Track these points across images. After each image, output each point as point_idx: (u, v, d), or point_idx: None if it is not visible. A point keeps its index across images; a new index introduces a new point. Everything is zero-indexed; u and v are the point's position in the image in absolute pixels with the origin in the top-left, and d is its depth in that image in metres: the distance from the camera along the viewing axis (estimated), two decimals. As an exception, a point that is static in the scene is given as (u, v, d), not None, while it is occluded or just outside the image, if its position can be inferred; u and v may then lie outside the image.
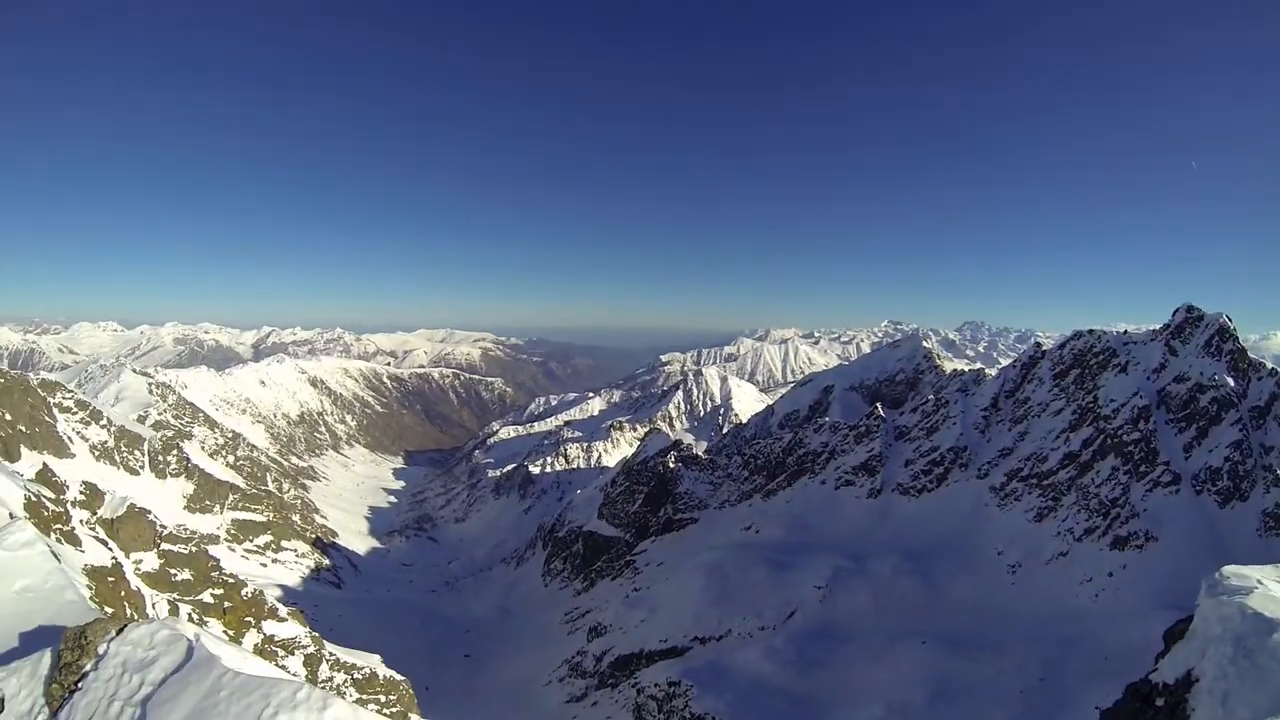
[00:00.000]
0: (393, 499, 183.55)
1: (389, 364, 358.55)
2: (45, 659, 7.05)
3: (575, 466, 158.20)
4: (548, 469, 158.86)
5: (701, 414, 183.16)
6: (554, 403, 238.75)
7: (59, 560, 10.38)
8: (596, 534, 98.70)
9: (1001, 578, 57.18)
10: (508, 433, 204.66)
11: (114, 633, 6.90)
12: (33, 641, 8.66)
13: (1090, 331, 74.92)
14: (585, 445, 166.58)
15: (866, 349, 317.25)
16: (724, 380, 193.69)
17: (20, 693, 6.65)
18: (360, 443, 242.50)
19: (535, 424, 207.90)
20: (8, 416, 77.64)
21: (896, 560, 60.00)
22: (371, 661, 46.62)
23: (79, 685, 6.57)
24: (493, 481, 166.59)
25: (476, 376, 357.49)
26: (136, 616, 7.88)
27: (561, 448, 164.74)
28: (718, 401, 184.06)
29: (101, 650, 6.81)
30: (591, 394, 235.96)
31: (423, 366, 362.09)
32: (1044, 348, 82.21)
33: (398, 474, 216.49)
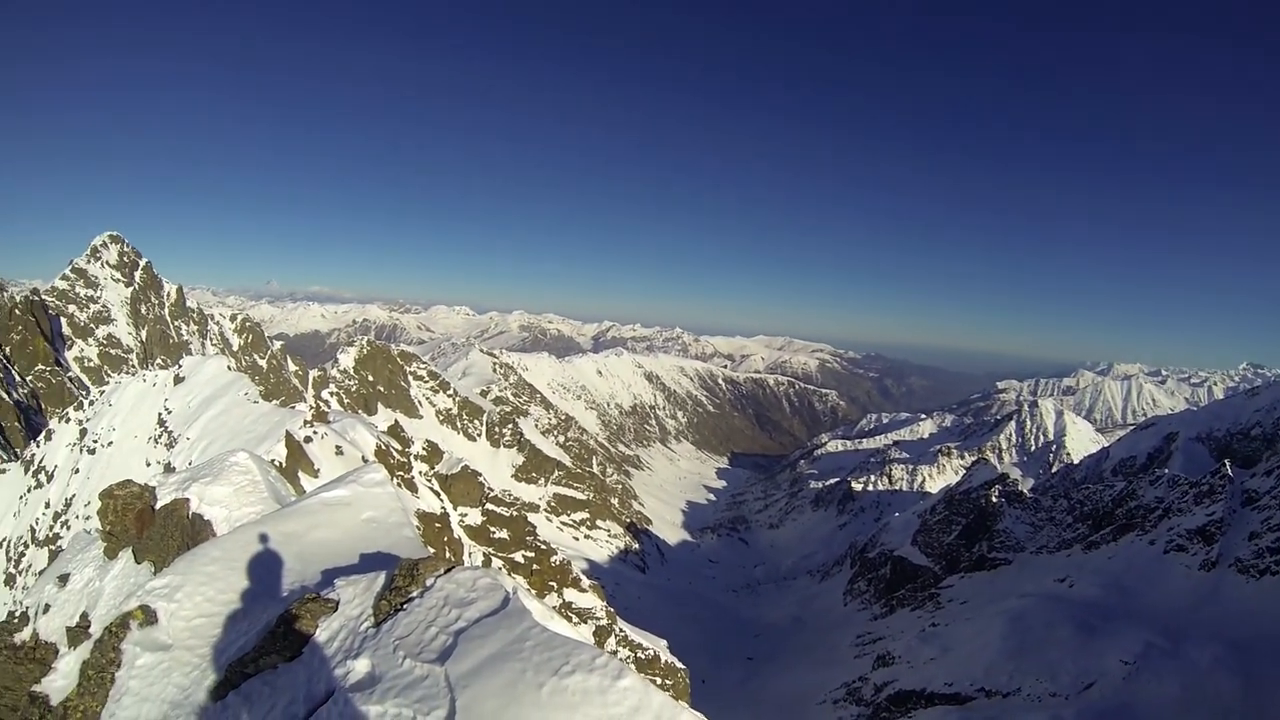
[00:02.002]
0: (711, 497, 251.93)
1: (725, 367, 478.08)
2: (379, 579, 9.57)
3: (897, 488, 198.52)
4: (869, 487, 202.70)
5: (1032, 448, 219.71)
6: (885, 420, 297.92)
7: (400, 502, 13.90)
8: (906, 560, 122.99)
9: (1352, 700, 62.42)
10: (835, 446, 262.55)
11: (443, 570, 9.10)
12: (370, 563, 12.02)
13: None
14: (910, 467, 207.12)
15: (1219, 394, 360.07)
16: (1059, 415, 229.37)
17: (354, 600, 9.49)
18: (688, 439, 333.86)
19: (864, 440, 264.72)
20: (370, 378, 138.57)
21: (1219, 650, 64.59)
22: (657, 645, 60.73)
23: (403, 607, 8.77)
24: (813, 493, 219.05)
25: (811, 387, 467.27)
26: (456, 561, 11.00)
27: (886, 467, 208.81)
28: (1050, 437, 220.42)
29: (429, 583, 8.98)
30: (923, 415, 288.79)
31: (758, 372, 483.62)
32: None
33: (720, 473, 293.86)
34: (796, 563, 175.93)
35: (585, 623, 58.68)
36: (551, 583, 62.97)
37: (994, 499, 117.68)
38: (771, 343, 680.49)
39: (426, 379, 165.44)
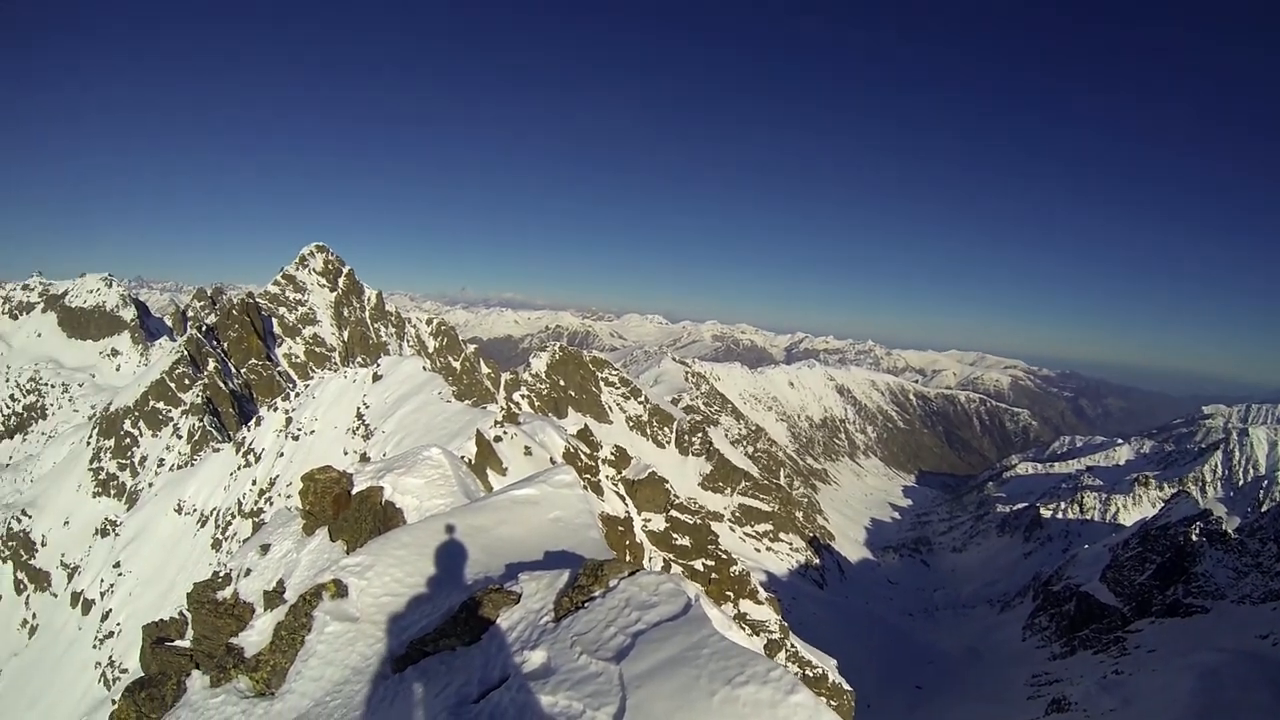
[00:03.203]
0: (896, 515, 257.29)
1: (916, 381, 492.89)
2: (563, 577, 10.34)
3: (1088, 517, 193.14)
4: (1059, 515, 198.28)
5: (1240, 483, 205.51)
6: (1078, 444, 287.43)
7: (588, 504, 14.79)
8: (1092, 598, 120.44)
9: None
10: (1025, 468, 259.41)
11: (627, 573, 9.75)
12: (554, 561, 13.00)
13: None
14: (1103, 496, 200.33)
15: None
16: (1272, 446, 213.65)
17: (536, 594, 10.35)
18: (876, 454, 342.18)
19: (1055, 464, 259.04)
20: (562, 382, 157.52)
21: None
22: (827, 664, 62.36)
23: (585, 605, 9.46)
24: (999, 517, 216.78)
25: (1002, 405, 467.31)
26: (638, 565, 11.75)
27: (1078, 494, 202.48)
28: (1261, 471, 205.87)
29: (612, 584, 9.61)
30: (1120, 440, 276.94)
31: (949, 388, 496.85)
32: None
33: (906, 491, 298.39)
34: (977, 590, 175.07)
35: (758, 635, 60.04)
36: (729, 592, 66.11)
37: (1194, 538, 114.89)
38: (964, 358, 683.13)
39: (618, 385, 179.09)
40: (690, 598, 9.15)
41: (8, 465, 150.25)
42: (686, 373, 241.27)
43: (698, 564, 66.92)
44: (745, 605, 65.68)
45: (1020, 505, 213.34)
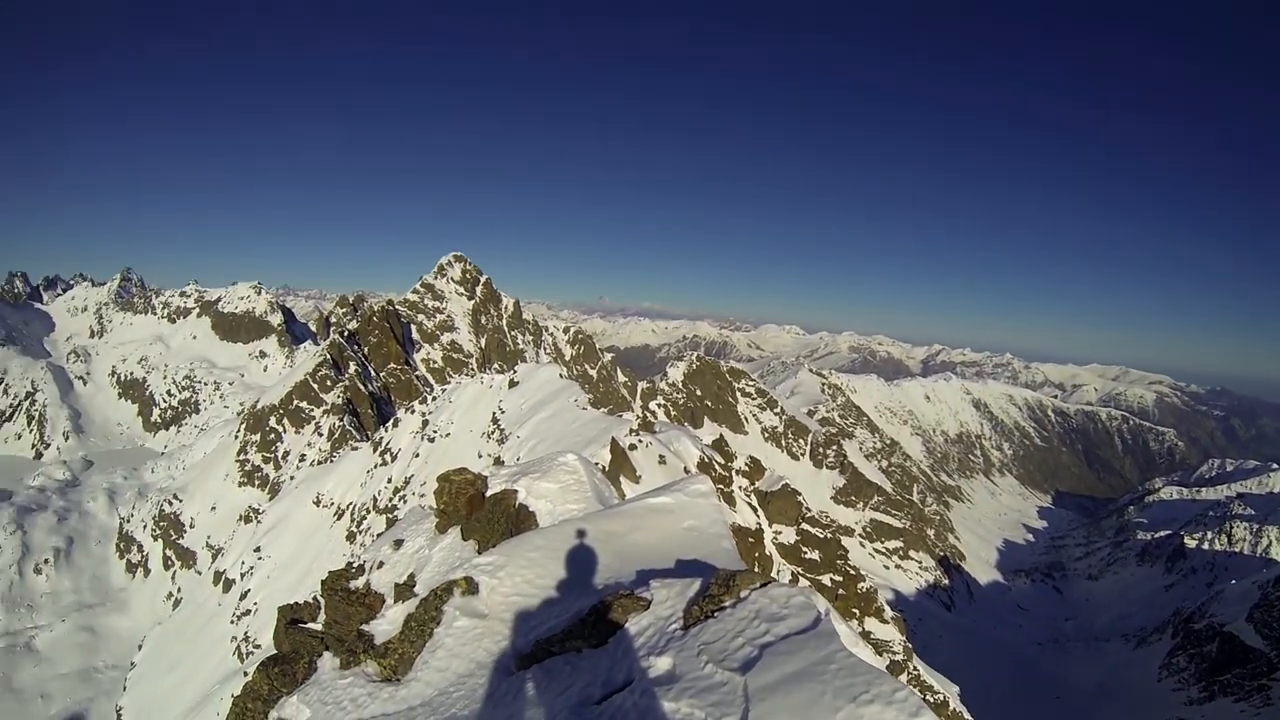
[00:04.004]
0: (1030, 537, 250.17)
1: (1055, 396, 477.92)
2: (694, 585, 10.45)
3: (1237, 549, 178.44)
4: (1204, 545, 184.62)
5: None
6: (1229, 468, 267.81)
7: (722, 514, 14.83)
8: (1237, 639, 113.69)
9: None
10: (1169, 493, 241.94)
11: (759, 584, 9.80)
12: (685, 569, 13.02)
13: None
14: (1255, 527, 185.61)
15: None
16: None
17: (666, 602, 10.52)
18: (1011, 472, 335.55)
19: (1202, 489, 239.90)
20: (698, 392, 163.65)
21: None
22: (949, 691, 61.39)
23: (714, 614, 9.55)
24: (1139, 544, 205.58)
25: (1146, 424, 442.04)
26: (767, 577, 11.74)
27: (1226, 524, 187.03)
28: None
29: (743, 595, 9.69)
30: (1275, 465, 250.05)
31: (1090, 404, 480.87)
32: None
33: (1041, 512, 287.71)
34: (1111, 622, 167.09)
35: (881, 655, 58.67)
36: (854, 609, 65.78)
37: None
38: (1105, 372, 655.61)
39: (754, 396, 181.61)
40: (820, 612, 9.07)
41: (163, 454, 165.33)
42: (823, 384, 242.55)
43: (825, 579, 67.07)
44: (870, 624, 65.56)
45: (1163, 533, 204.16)
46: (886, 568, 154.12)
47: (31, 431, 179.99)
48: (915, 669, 61.61)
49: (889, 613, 68.85)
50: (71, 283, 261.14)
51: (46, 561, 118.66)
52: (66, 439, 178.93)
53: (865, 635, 61.25)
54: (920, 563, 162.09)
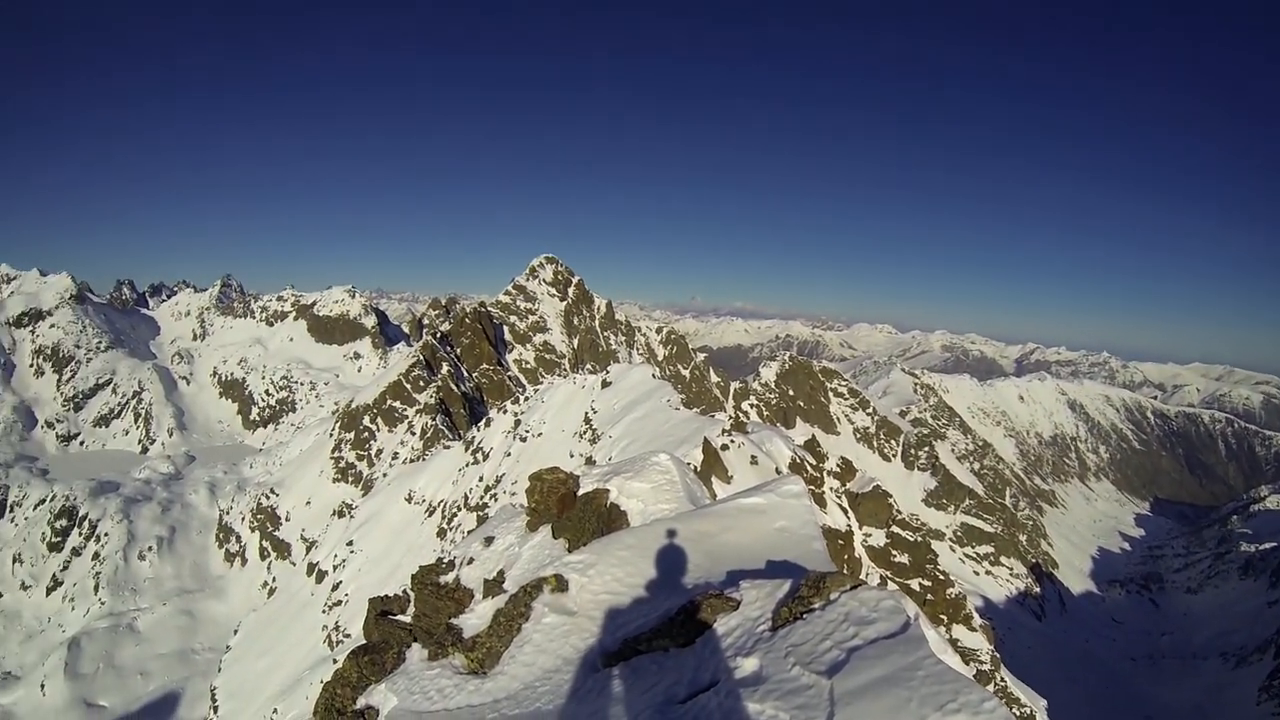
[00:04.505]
0: (1125, 546, 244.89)
1: (1154, 397, 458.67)
2: (784, 587, 10.43)
3: None
4: None
5: None
6: None
7: (813, 515, 15.02)
8: None
9: None
10: (1276, 502, 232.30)
11: (848, 587, 9.76)
12: (775, 570, 12.92)
13: None
14: None
15: None
16: None
17: (755, 602, 10.52)
18: (1108, 477, 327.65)
19: None
20: (790, 392, 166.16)
21: None
22: (1036, 704, 60.67)
23: (803, 616, 9.50)
24: (1243, 557, 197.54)
25: (1252, 427, 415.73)
26: (857, 579, 11.67)
27: None
28: None
29: (832, 597, 9.64)
30: None
31: (1191, 406, 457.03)
32: None
33: (1139, 520, 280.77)
34: (1210, 639, 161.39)
35: (968, 663, 57.57)
36: (942, 615, 64.71)
37: None
38: (1208, 371, 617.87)
39: (846, 396, 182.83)
40: (909, 616, 8.90)
41: (261, 450, 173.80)
42: (915, 384, 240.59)
43: (914, 583, 66.64)
44: (958, 631, 64.49)
45: (1269, 545, 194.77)
46: (976, 573, 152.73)
47: (138, 428, 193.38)
48: (1002, 679, 61.01)
49: (977, 620, 67.98)
50: (175, 289, 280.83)
51: (150, 549, 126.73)
52: (171, 435, 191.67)
53: (953, 642, 60.45)
54: (1011, 569, 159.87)
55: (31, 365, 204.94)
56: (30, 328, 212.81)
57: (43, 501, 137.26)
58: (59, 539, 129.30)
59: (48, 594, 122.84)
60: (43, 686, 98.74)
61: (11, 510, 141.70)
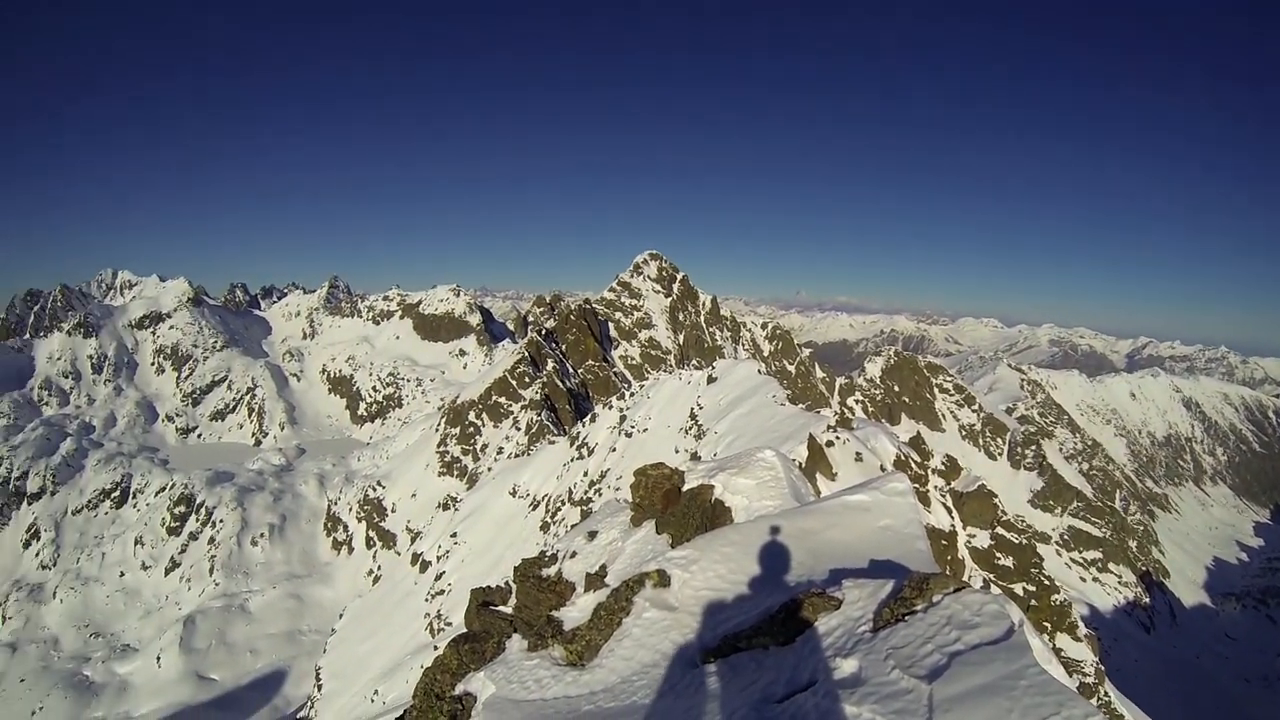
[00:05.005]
0: (1244, 556, 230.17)
1: (1278, 396, 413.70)
2: (886, 587, 10.36)
3: None
4: None
5: None
6: None
7: (918, 514, 15.21)
8: None
9: None
10: None
11: (952, 589, 9.66)
12: (877, 570, 12.88)
13: None
14: None
15: None
16: None
17: (857, 602, 10.42)
18: (1225, 481, 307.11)
19: None
20: (896, 388, 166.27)
21: None
22: None
23: (905, 618, 9.44)
24: None
25: None
26: (960, 582, 11.40)
27: None
28: None
29: (935, 600, 9.56)
30: None
31: None
32: None
33: (1258, 529, 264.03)
34: None
35: (1071, 675, 55.68)
36: (1046, 622, 62.99)
37: None
38: None
39: (952, 392, 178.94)
40: (1014, 623, 8.75)
41: (368, 444, 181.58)
42: (1022, 380, 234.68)
43: (1018, 588, 64.68)
44: (1061, 640, 62.24)
45: None
46: (1083, 580, 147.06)
47: (251, 422, 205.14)
48: (1106, 694, 58.68)
49: (1082, 629, 65.53)
50: (285, 291, 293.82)
51: (262, 535, 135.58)
52: (282, 429, 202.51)
53: (1056, 651, 58.75)
54: (1119, 577, 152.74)
55: (153, 364, 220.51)
56: (151, 329, 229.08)
57: (163, 489, 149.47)
58: (178, 524, 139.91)
59: (166, 574, 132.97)
60: (159, 659, 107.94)
61: (135, 497, 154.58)
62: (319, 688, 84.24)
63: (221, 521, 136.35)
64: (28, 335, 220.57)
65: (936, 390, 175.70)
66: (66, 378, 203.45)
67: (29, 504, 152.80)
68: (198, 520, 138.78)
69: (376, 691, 71.21)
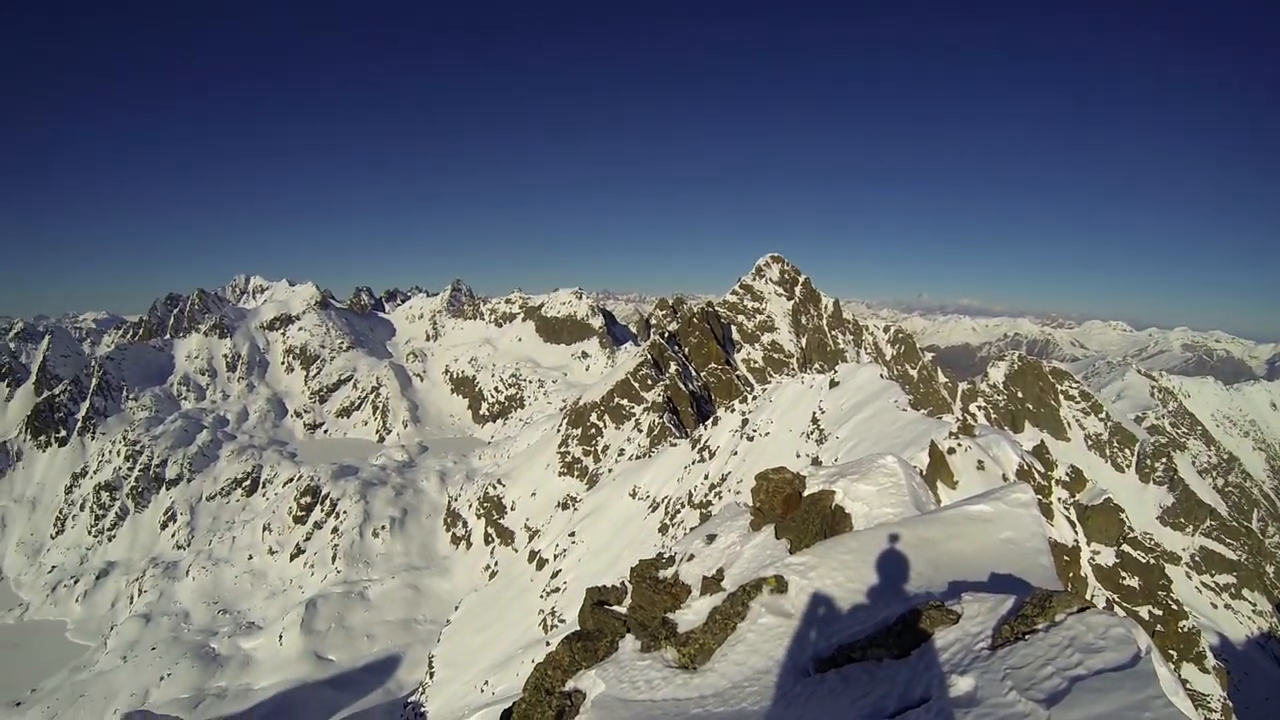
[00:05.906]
0: None
1: None
2: (1007, 603, 10.11)
3: None
4: None
5: None
6: None
7: (1041, 527, 14.82)
8: None
9: None
10: None
11: (1075, 609, 9.33)
12: (998, 584, 12.61)
13: None
14: None
15: None
16: None
17: (976, 618, 10.12)
18: None
19: None
20: (1019, 394, 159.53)
21: None
22: None
23: (1025, 637, 9.20)
24: None
25: None
26: (1084, 600, 10.92)
27: None
28: None
29: (1058, 619, 9.26)
30: None
31: None
32: None
33: None
34: None
35: (1197, 709, 52.67)
36: (1172, 650, 59.33)
37: None
38: None
39: (1077, 399, 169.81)
40: (1140, 649, 8.43)
41: (489, 443, 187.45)
42: (1152, 387, 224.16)
43: (1144, 610, 60.90)
44: (1187, 670, 58.56)
45: None
46: (1214, 606, 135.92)
47: (376, 419, 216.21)
48: None
49: (1211, 660, 61.56)
50: (409, 294, 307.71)
51: (383, 527, 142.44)
52: (405, 426, 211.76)
53: (1182, 682, 55.96)
54: (1254, 605, 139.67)
55: (283, 363, 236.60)
56: (281, 330, 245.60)
57: (291, 480, 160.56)
58: (303, 513, 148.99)
59: (291, 559, 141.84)
60: (281, 637, 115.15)
61: (264, 486, 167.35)
62: (431, 675, 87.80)
63: (345, 513, 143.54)
64: (168, 335, 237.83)
65: (1061, 397, 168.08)
66: (203, 375, 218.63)
67: (167, 489, 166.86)
68: (322, 510, 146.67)
69: (487, 682, 73.72)
